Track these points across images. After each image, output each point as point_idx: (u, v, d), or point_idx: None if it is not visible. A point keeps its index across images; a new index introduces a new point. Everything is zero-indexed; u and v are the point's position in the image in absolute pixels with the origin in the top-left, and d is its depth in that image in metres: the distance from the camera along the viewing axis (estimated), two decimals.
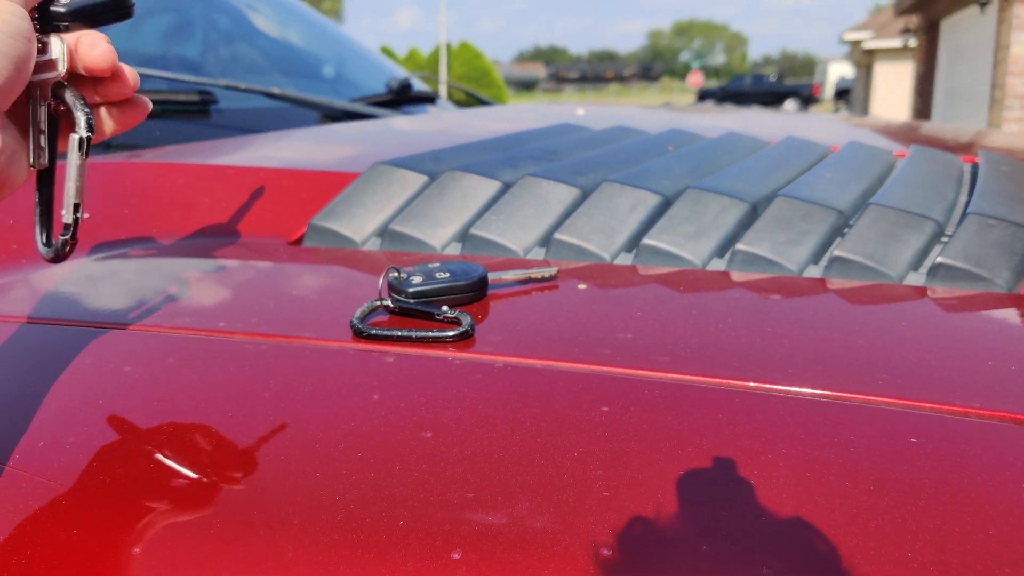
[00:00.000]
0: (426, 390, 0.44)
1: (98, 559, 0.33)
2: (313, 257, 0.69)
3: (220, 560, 0.32)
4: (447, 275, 0.55)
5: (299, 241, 0.74)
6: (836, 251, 0.62)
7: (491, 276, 0.57)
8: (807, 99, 25.95)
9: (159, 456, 0.39)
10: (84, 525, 0.35)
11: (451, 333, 0.49)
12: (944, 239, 0.67)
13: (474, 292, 0.55)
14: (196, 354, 0.49)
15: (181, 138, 1.14)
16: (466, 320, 0.50)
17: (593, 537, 0.32)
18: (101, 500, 0.36)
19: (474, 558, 0.32)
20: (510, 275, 0.58)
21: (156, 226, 0.76)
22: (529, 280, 0.58)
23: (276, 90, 1.31)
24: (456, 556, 0.32)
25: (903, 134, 1.31)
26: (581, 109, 1.47)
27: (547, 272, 0.59)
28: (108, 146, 1.07)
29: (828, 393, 0.43)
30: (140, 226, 0.76)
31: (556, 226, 0.69)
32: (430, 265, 0.57)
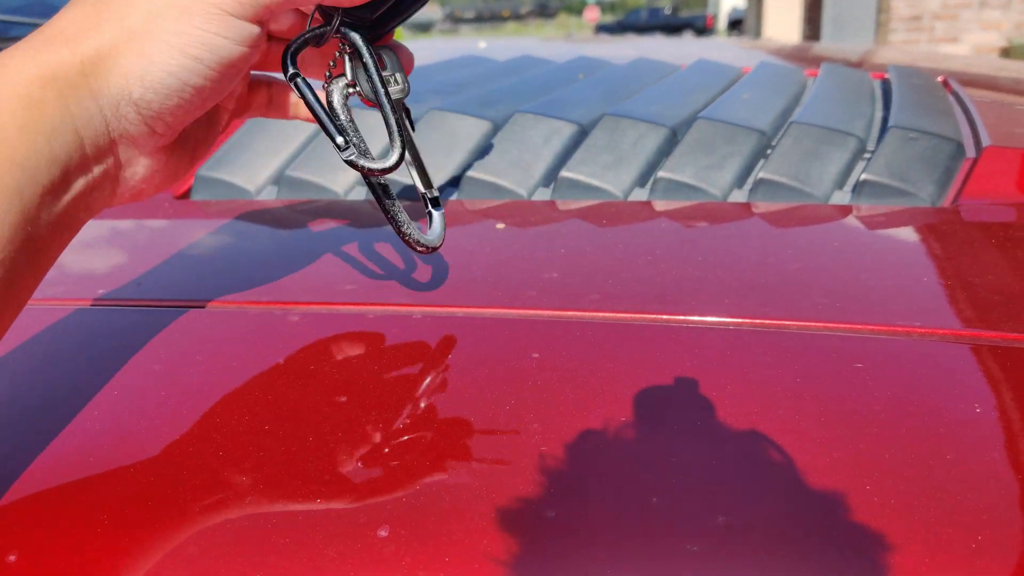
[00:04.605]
0: (337, 348, 0.40)
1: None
2: (204, 211, 0.63)
3: (99, 555, 0.28)
4: None
5: (187, 195, 0.67)
6: (761, 173, 0.59)
7: None
8: (701, 31, 26.16)
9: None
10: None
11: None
12: (867, 155, 0.65)
13: None
14: (82, 326, 0.43)
15: None
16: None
17: (530, 497, 0.29)
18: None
19: (403, 533, 0.28)
20: None
21: None
22: None
23: None
24: (383, 533, 0.28)
25: (795, 56, 1.30)
26: (483, 42, 1.41)
27: None
28: None
29: (767, 322, 0.40)
30: None
31: (467, 163, 0.65)
32: None
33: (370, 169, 0.39)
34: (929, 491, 0.29)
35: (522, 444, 0.32)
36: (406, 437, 0.33)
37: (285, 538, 0.28)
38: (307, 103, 0.39)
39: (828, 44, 1.54)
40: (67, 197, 0.33)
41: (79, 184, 0.34)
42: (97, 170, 0.35)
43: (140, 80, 0.34)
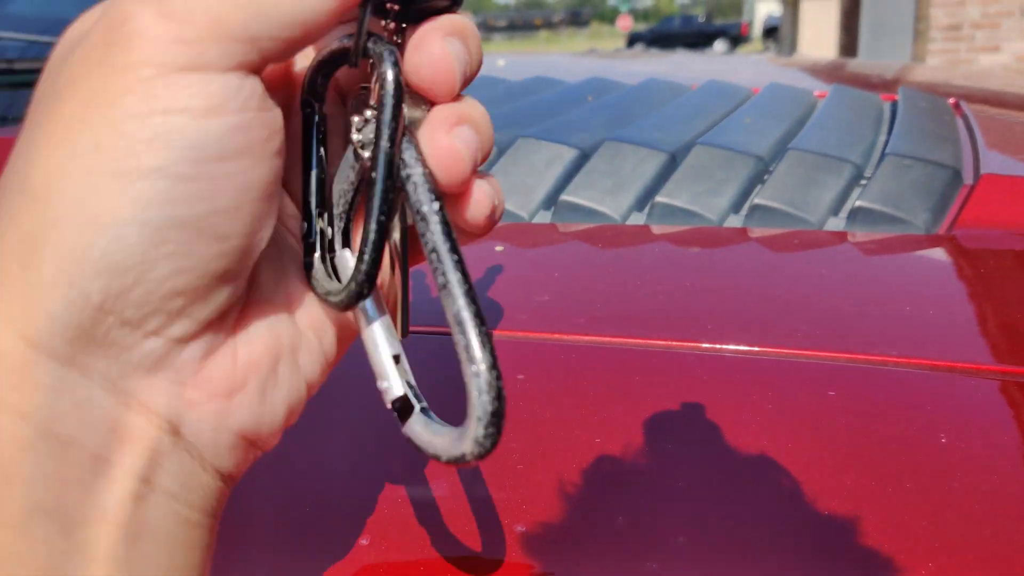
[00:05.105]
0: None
1: None
2: None
3: None
4: None
5: None
6: (756, 199, 0.61)
7: None
8: (736, 39, 25.99)
9: None
10: None
11: None
12: (863, 182, 0.66)
13: None
14: None
15: None
16: None
17: (507, 513, 0.31)
18: None
19: (383, 544, 0.30)
20: None
21: None
22: None
23: None
24: (364, 542, 0.30)
25: (827, 73, 1.31)
26: (501, 60, 1.43)
27: None
28: None
29: (747, 349, 0.42)
30: None
31: None
32: None
33: (322, 293, 0.25)
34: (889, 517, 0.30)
35: (501, 464, 0.34)
36: (384, 456, 0.35)
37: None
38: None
39: (864, 60, 1.54)
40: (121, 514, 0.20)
41: (120, 490, 0.20)
42: (133, 462, 0.20)
43: (84, 267, 0.19)
